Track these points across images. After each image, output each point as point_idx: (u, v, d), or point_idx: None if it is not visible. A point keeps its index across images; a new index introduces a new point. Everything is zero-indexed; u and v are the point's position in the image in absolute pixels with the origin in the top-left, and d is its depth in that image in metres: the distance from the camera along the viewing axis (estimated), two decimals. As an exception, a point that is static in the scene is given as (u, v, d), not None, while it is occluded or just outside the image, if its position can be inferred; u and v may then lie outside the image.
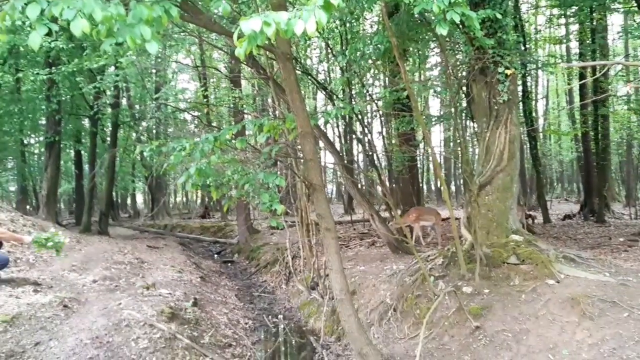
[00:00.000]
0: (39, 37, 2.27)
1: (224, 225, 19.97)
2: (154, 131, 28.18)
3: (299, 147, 5.40)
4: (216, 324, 6.79)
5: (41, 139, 22.77)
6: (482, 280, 5.44)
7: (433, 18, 6.77)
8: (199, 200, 37.74)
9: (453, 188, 29.96)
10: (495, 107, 6.08)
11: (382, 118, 13.20)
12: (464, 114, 10.09)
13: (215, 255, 15.77)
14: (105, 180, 15.66)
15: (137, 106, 20.11)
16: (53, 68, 11.16)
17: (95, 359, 4.67)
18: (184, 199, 41.94)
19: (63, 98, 13.39)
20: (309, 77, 9.66)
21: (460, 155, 7.10)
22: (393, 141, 12.24)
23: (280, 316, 8.11)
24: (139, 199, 39.29)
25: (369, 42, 6.49)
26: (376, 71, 10.66)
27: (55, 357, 4.60)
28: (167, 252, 12.03)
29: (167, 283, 7.85)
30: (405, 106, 10.66)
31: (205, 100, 17.38)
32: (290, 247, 11.16)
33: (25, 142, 21.84)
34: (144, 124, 18.20)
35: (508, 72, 6.03)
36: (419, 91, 10.69)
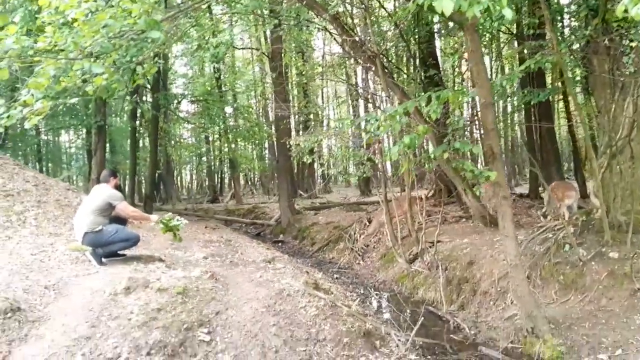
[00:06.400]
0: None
1: (253, 207, 19.97)
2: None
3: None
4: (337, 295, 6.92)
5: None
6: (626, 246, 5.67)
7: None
8: (197, 186, 37.85)
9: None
10: (621, 79, 6.22)
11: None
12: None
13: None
14: (149, 164, 15.35)
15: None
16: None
17: (277, 325, 4.79)
18: (188, 185, 41.85)
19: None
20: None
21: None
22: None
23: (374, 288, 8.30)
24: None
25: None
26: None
27: (241, 324, 4.70)
28: (225, 233, 12.04)
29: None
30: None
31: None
32: (357, 224, 11.34)
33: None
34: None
35: (633, 44, 6.19)
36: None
